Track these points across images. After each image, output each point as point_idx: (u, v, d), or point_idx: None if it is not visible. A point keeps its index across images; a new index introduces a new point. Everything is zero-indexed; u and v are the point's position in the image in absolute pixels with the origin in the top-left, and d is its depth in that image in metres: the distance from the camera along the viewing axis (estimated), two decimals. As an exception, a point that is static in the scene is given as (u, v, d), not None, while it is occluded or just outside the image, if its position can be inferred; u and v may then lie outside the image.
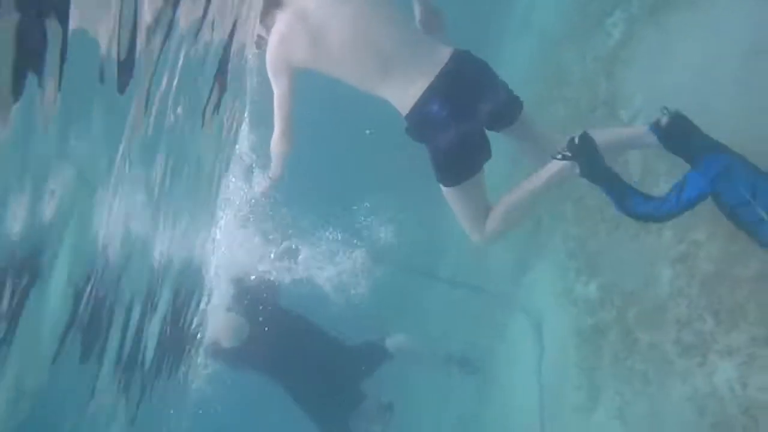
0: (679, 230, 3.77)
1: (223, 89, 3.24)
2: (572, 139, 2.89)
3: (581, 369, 4.46)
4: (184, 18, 2.07)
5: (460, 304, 7.08)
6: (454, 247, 7.27)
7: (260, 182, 3.69)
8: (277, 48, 3.12)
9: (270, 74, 3.20)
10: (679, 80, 4.27)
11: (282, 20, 3.11)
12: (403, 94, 3.00)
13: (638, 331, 3.94)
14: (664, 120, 2.87)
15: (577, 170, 2.93)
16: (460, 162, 3.07)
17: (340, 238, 6.62)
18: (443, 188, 3.18)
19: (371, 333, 5.82)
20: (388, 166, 7.47)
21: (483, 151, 3.12)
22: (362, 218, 7.01)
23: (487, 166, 3.22)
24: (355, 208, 7.19)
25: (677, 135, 2.84)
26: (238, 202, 5.23)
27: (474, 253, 6.43)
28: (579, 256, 4.89)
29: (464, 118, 2.97)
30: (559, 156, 2.91)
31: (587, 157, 2.89)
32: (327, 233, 6.55)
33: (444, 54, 3.03)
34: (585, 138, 2.90)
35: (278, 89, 3.20)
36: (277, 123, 3.26)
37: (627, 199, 2.89)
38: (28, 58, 1.06)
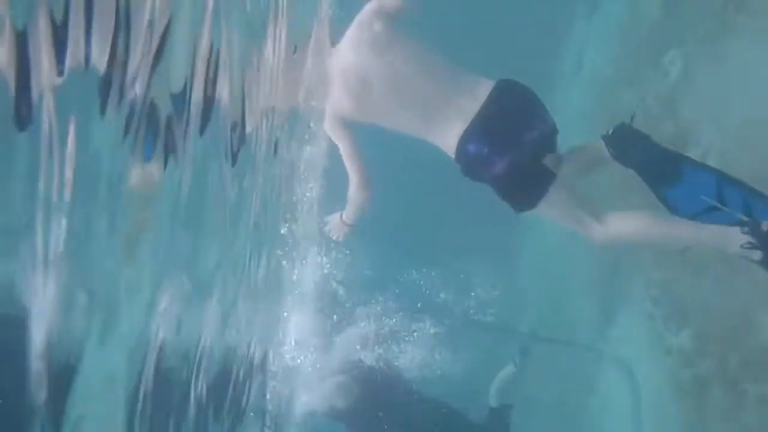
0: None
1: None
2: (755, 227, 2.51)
3: (685, 425, 4.22)
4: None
5: (547, 360, 6.88)
6: (533, 303, 7.13)
7: (334, 225, 3.48)
8: (329, 110, 3.26)
9: (331, 135, 3.32)
10: (745, 112, 4.14)
11: (331, 83, 3.25)
12: (446, 137, 3.00)
13: (745, 382, 3.71)
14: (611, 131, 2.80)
15: (758, 257, 2.53)
16: (522, 190, 3.01)
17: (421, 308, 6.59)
18: (530, 211, 3.06)
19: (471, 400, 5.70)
20: (453, 233, 7.47)
21: (541, 176, 2.98)
22: (432, 288, 6.98)
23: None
24: (423, 276, 7.17)
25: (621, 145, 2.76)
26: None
27: (553, 307, 6.27)
28: (665, 303, 4.69)
29: (510, 147, 2.92)
30: (745, 242, 2.53)
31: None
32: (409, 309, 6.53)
33: (484, 89, 2.99)
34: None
35: (342, 146, 3.29)
36: (352, 177, 3.30)
37: None
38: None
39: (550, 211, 3.02)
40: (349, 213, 3.40)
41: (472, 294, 6.92)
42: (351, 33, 3.19)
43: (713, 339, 4.08)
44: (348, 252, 5.67)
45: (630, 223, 2.90)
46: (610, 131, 2.80)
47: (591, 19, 7.31)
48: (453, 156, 3.04)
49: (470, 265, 7.15)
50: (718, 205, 2.59)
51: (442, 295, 6.79)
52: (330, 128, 3.31)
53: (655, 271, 4.92)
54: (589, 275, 6.11)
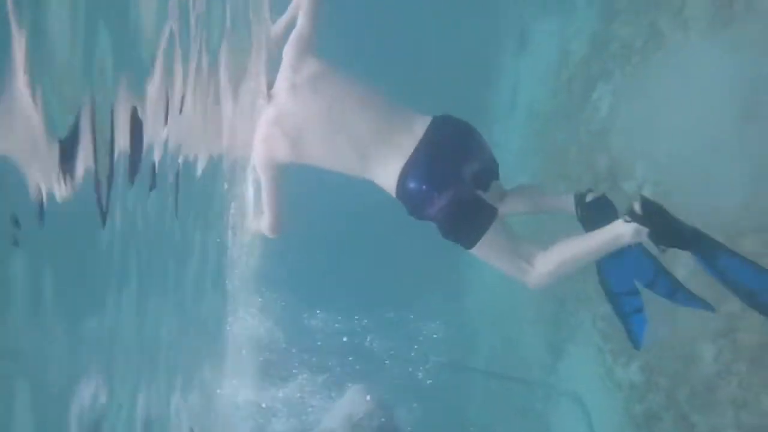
0: (714, 303, 3.61)
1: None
2: (632, 209, 2.64)
3: (641, 459, 4.19)
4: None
5: (498, 396, 6.81)
6: (484, 340, 7.08)
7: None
8: (260, 149, 3.23)
9: (258, 169, 3.31)
10: (673, 147, 4.24)
11: (262, 124, 3.21)
12: (386, 176, 2.97)
13: (694, 414, 3.71)
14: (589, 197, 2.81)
15: (646, 235, 2.64)
16: (464, 224, 2.97)
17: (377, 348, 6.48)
18: (473, 249, 3.01)
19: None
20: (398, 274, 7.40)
21: (483, 206, 2.99)
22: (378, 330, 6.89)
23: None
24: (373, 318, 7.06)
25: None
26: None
27: (505, 343, 6.22)
28: (613, 336, 4.70)
29: (449, 183, 2.90)
30: (628, 219, 2.67)
31: (658, 220, 2.61)
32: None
33: (420, 126, 2.97)
34: (649, 203, 2.63)
35: (265, 182, 3.30)
36: (266, 212, 3.31)
37: (723, 258, 2.52)
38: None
39: (489, 251, 2.97)
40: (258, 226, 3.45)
41: (422, 335, 6.84)
42: (284, 75, 3.17)
43: (661, 372, 4.08)
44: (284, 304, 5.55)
45: (553, 258, 2.89)
46: (588, 198, 2.80)
47: (522, 55, 7.46)
48: (394, 194, 3.00)
49: (418, 306, 7.08)
50: (640, 295, 2.67)
51: (389, 336, 6.70)
52: (259, 167, 3.28)
53: (600, 305, 4.93)
54: (537, 310, 6.11)
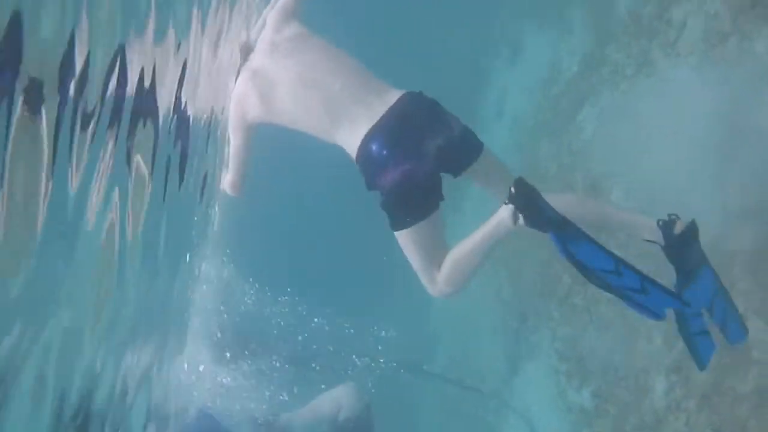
0: (670, 337, 3.62)
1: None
2: (510, 190, 2.64)
3: (582, 485, 4.20)
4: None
5: (452, 402, 6.81)
6: (444, 346, 7.06)
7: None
8: (234, 108, 3.29)
9: (229, 129, 3.38)
10: (651, 175, 4.23)
11: (239, 82, 3.27)
12: (350, 138, 2.95)
13: (639, 446, 3.72)
14: (679, 227, 2.69)
15: (521, 220, 2.67)
16: (405, 204, 2.91)
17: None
18: (395, 234, 2.98)
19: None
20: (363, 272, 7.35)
21: (431, 193, 2.93)
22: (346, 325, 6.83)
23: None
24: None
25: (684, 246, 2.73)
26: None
27: (464, 351, 6.21)
28: (569, 358, 4.70)
29: (408, 157, 2.84)
30: (507, 202, 2.69)
31: (530, 205, 2.62)
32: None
33: (393, 95, 2.97)
34: (521, 184, 2.64)
35: (234, 141, 3.36)
36: (230, 171, 3.41)
37: (580, 245, 2.57)
38: None
39: (411, 242, 2.93)
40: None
41: (383, 334, 6.80)
42: (266, 35, 3.22)
43: (612, 400, 4.09)
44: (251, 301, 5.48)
45: (447, 264, 2.88)
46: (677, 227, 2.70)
47: (513, 66, 7.44)
48: (355, 158, 2.98)
49: (379, 308, 7.04)
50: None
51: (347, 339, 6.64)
52: (231, 126, 3.32)
53: (561, 325, 4.94)
54: (499, 321, 6.11)
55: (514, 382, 5.57)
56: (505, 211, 2.70)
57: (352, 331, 6.75)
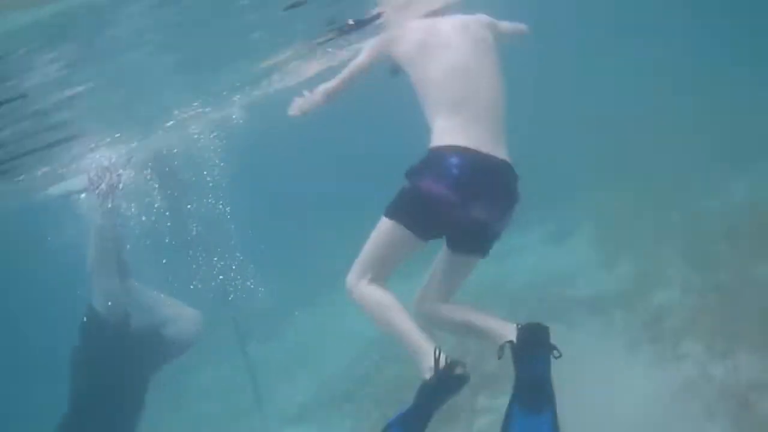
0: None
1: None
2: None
3: None
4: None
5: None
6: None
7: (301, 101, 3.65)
8: (394, 33, 3.40)
9: (368, 44, 3.49)
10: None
11: (413, 24, 3.41)
12: (451, 132, 3.03)
13: None
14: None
15: (427, 376, 2.75)
16: (419, 212, 2.99)
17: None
18: (383, 217, 3.08)
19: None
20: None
21: (437, 229, 3.03)
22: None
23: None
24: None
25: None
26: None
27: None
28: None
29: (462, 194, 2.93)
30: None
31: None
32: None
33: (502, 151, 3.07)
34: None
35: (362, 58, 3.47)
36: (337, 78, 3.51)
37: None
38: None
39: (383, 234, 3.02)
40: (318, 92, 3.55)
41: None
42: (453, 22, 3.35)
43: None
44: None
45: (370, 299, 2.98)
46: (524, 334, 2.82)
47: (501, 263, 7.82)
48: (433, 143, 3.08)
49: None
50: None
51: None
52: (376, 42, 3.46)
53: (479, 416, 4.97)
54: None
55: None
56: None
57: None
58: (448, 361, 2.74)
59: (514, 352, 2.81)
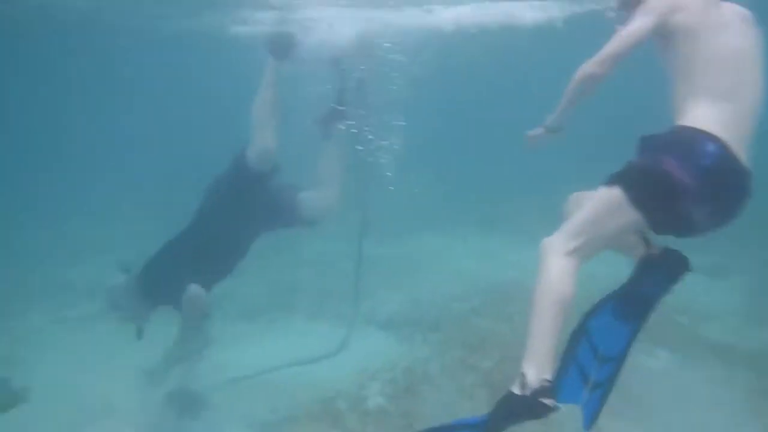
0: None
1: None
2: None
3: None
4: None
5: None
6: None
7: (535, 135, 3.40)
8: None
9: (646, 7, 3.07)
10: None
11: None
12: (709, 120, 2.83)
13: None
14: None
15: (516, 390, 2.67)
16: (656, 192, 2.78)
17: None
18: (607, 186, 2.88)
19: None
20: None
21: (668, 215, 2.82)
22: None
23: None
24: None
25: None
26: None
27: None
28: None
29: (701, 189, 2.73)
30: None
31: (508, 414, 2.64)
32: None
33: (746, 159, 2.89)
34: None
35: (639, 22, 3.03)
36: (607, 47, 3.00)
37: None
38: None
39: (608, 206, 2.85)
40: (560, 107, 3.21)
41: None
42: (732, 6, 3.12)
43: None
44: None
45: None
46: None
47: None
48: (683, 123, 2.88)
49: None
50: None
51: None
52: (655, 4, 3.05)
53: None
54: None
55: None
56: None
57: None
58: (545, 385, 2.64)
59: (643, 262, 3.01)
